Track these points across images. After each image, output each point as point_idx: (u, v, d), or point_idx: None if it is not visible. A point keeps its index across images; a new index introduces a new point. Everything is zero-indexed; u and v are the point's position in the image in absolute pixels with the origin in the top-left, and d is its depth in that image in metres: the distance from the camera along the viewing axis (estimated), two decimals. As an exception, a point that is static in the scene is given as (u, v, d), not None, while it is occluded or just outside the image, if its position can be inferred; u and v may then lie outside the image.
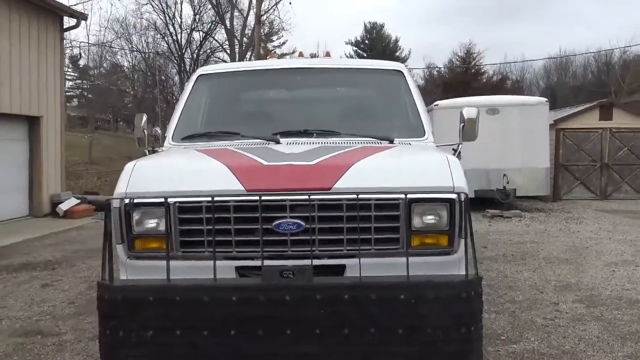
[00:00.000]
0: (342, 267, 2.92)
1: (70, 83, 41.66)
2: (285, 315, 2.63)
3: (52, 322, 5.14)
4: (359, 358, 2.66)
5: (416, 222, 2.85)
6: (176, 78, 44.55)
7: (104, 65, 45.91)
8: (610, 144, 16.95)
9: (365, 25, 47.64)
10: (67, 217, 12.67)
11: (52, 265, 7.73)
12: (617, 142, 16.94)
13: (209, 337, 2.64)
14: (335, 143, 3.66)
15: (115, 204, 2.85)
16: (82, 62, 43.65)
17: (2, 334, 4.83)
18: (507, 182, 13.94)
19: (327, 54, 5.35)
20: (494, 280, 6.61)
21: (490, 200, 13.65)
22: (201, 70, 4.60)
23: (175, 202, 2.81)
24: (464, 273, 2.78)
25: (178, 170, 3.13)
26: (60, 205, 12.85)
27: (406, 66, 5.03)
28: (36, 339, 4.69)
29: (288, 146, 3.53)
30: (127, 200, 2.84)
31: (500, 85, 41.21)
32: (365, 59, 5.41)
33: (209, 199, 2.75)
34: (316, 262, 2.78)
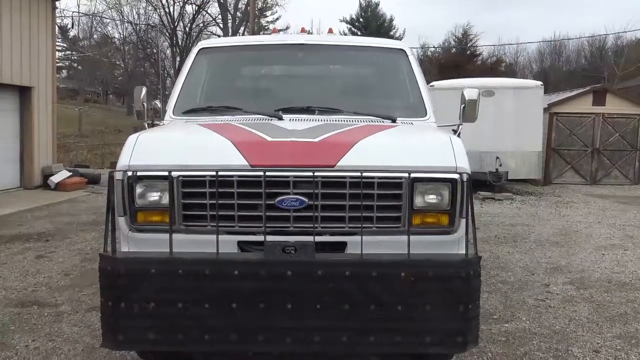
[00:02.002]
0: (344, 244, 2.95)
1: (60, 54, 41.04)
2: (287, 290, 2.66)
3: (48, 293, 5.16)
4: (359, 333, 2.69)
5: (418, 201, 2.87)
6: (168, 52, 44.05)
7: (94, 36, 45.25)
8: (602, 130, 17.07)
9: (360, 3, 47.06)
10: (58, 189, 12.59)
11: (45, 237, 7.72)
12: (609, 127, 17.06)
13: (211, 309, 2.66)
14: (338, 121, 3.65)
15: (118, 176, 2.83)
16: (71, 33, 42.98)
17: (-2, 304, 4.85)
18: (500, 165, 14.03)
19: (330, 31, 5.30)
20: (486, 261, 6.69)
21: (482, 183, 13.75)
22: (202, 44, 4.53)
23: (179, 176, 2.80)
24: (464, 252, 2.82)
25: (181, 144, 3.10)
26: (52, 178, 12.76)
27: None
28: (33, 309, 4.71)
29: (291, 122, 3.51)
30: (130, 173, 2.82)
31: (494, 67, 41.16)
32: (368, 37, 5.35)
33: (213, 173, 2.75)
34: (318, 238, 2.80)
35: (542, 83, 15.31)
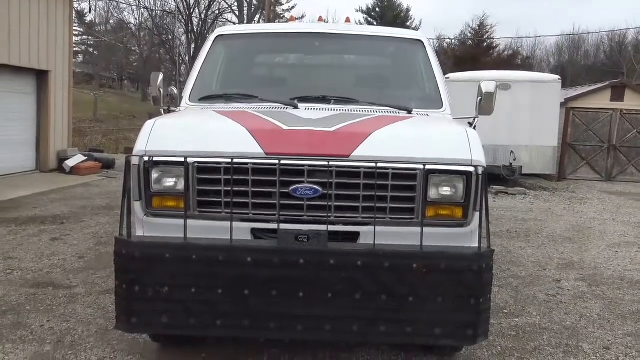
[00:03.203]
0: (357, 234, 2.96)
1: (76, 39, 41.33)
2: (299, 278, 2.68)
3: (63, 275, 5.24)
4: (370, 323, 2.71)
5: (432, 193, 2.87)
6: (183, 38, 44.14)
7: (111, 22, 45.48)
8: (620, 126, 16.83)
9: (377, -7, 46.71)
10: (73, 173, 12.73)
11: (60, 219, 7.82)
12: (627, 124, 16.81)
13: (223, 295, 2.69)
14: (354, 111, 3.64)
15: (135, 161, 2.85)
16: (88, 18, 43.26)
17: (14, 284, 4.93)
18: (514, 159, 13.92)
19: (347, 20, 5.27)
20: (498, 255, 6.66)
21: (495, 177, 13.65)
22: (220, 31, 4.53)
23: (195, 162, 2.82)
24: (477, 245, 2.81)
25: (198, 130, 3.11)
26: (67, 162, 12.89)
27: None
28: (48, 290, 4.79)
29: (306, 112, 3.51)
30: (146, 158, 2.85)
31: (510, 60, 40.71)
32: (386, 27, 5.27)
33: (229, 160, 2.77)
34: (331, 227, 2.82)
35: (559, 77, 15.11)
